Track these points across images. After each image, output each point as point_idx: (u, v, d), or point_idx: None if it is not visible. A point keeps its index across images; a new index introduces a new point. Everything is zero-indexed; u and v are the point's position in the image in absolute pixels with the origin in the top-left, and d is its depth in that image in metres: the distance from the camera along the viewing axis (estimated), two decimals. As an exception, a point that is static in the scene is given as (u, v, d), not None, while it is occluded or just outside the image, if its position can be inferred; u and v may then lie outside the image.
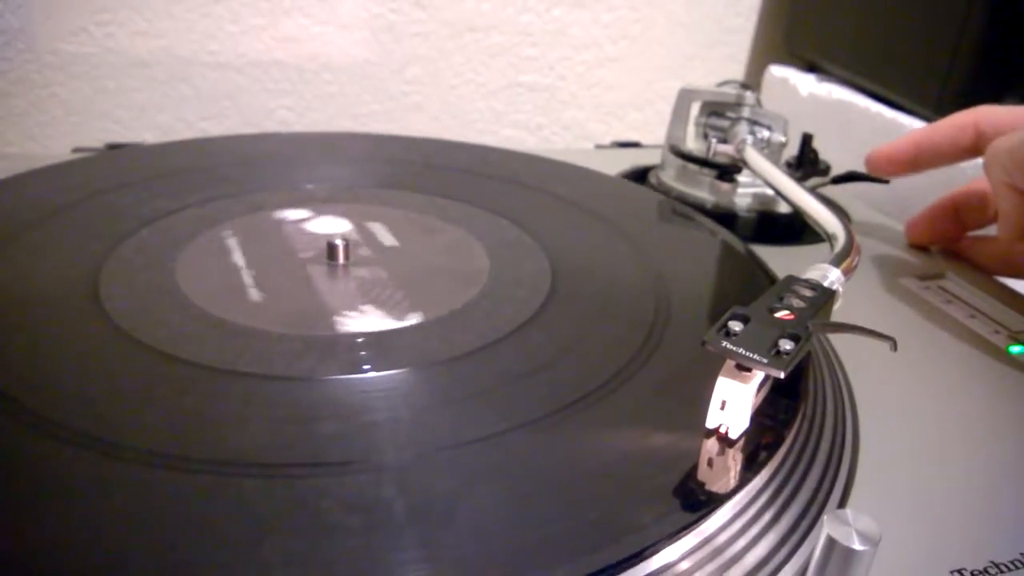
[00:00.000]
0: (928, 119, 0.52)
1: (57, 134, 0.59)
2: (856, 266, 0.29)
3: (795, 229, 0.43)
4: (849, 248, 0.29)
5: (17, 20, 0.55)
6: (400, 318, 0.29)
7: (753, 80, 0.72)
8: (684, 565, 0.19)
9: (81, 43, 0.56)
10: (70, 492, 0.20)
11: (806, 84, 0.66)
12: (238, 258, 0.33)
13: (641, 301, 0.31)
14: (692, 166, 0.44)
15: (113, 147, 0.47)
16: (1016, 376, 0.32)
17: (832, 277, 0.26)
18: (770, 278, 0.34)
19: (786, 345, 0.22)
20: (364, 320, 0.29)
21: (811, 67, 0.68)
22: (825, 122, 0.62)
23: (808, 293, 0.25)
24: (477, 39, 0.64)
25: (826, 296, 0.25)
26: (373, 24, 0.61)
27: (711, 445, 0.23)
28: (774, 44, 0.73)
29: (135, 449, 0.21)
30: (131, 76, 0.58)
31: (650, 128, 0.71)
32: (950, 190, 0.42)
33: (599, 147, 0.57)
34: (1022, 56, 0.50)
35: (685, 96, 0.45)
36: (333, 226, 0.36)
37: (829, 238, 0.32)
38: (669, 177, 0.46)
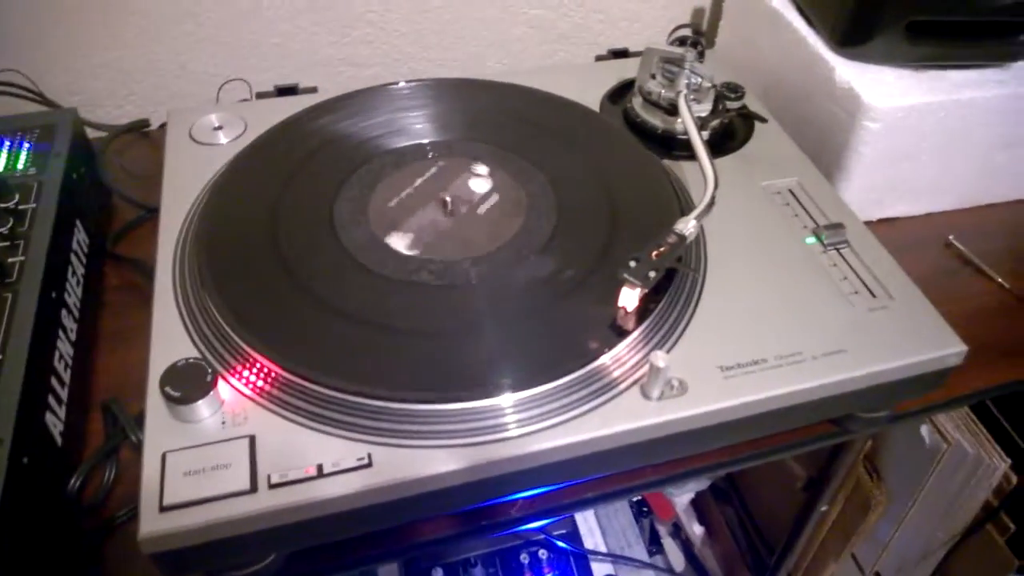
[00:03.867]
0: (832, 48, 0.74)
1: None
2: (712, 207, 0.56)
3: (714, 147, 0.69)
4: (710, 205, 0.56)
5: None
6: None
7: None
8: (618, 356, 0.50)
9: None
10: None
11: (762, -17, 0.85)
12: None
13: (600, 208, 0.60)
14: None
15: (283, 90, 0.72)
16: (802, 259, 0.60)
17: (690, 227, 0.54)
18: (671, 183, 0.62)
19: (651, 273, 0.50)
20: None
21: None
22: (762, 23, 0.83)
23: (673, 239, 0.53)
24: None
25: (682, 240, 0.53)
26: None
27: (620, 312, 0.52)
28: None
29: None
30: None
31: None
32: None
33: (599, 58, 0.80)
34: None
35: (649, 53, 0.69)
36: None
37: (705, 180, 0.58)
38: (637, 105, 0.71)
